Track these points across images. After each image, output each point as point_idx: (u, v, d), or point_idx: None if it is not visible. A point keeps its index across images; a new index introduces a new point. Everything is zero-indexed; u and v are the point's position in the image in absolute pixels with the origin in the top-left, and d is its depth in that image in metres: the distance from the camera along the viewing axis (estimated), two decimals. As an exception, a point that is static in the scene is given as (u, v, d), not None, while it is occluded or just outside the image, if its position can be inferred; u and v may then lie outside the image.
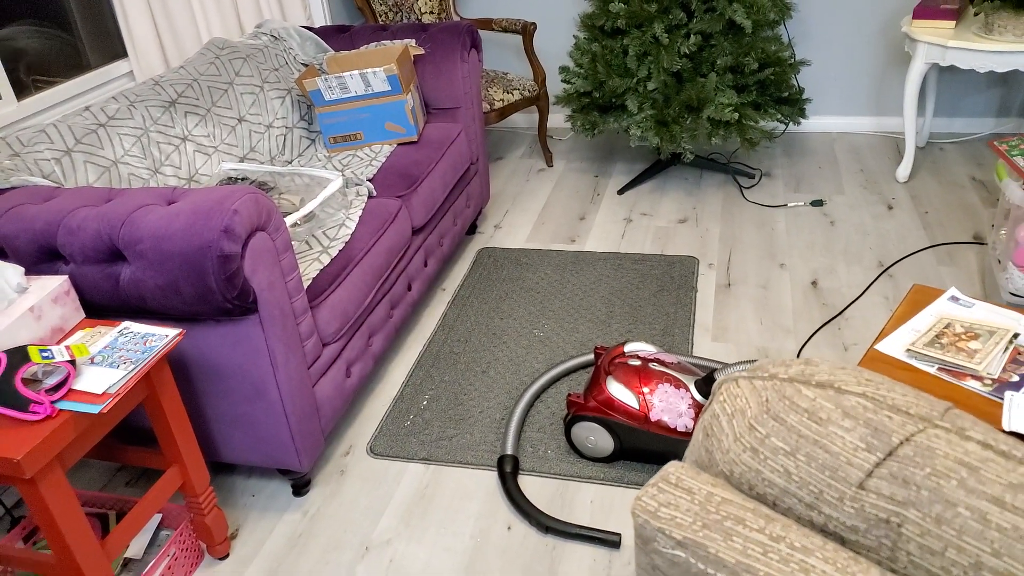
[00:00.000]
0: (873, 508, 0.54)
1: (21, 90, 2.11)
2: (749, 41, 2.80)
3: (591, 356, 2.12)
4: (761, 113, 2.87)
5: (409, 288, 2.23)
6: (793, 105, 2.96)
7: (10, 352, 1.26)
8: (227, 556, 1.64)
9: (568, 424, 1.81)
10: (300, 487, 1.78)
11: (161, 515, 1.66)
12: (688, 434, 1.73)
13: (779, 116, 2.92)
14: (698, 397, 1.76)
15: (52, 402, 1.23)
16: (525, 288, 2.50)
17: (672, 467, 0.64)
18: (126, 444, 1.64)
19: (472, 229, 2.91)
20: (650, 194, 3.07)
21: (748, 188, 3.06)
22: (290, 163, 2.44)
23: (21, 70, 2.13)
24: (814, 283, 2.42)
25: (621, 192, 3.10)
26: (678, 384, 1.76)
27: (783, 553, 0.53)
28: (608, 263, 2.60)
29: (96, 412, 1.23)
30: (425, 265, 2.34)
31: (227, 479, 1.86)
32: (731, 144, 3.46)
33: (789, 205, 2.90)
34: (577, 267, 2.59)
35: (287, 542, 1.66)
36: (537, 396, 2.01)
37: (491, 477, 1.79)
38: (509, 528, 1.66)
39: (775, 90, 2.91)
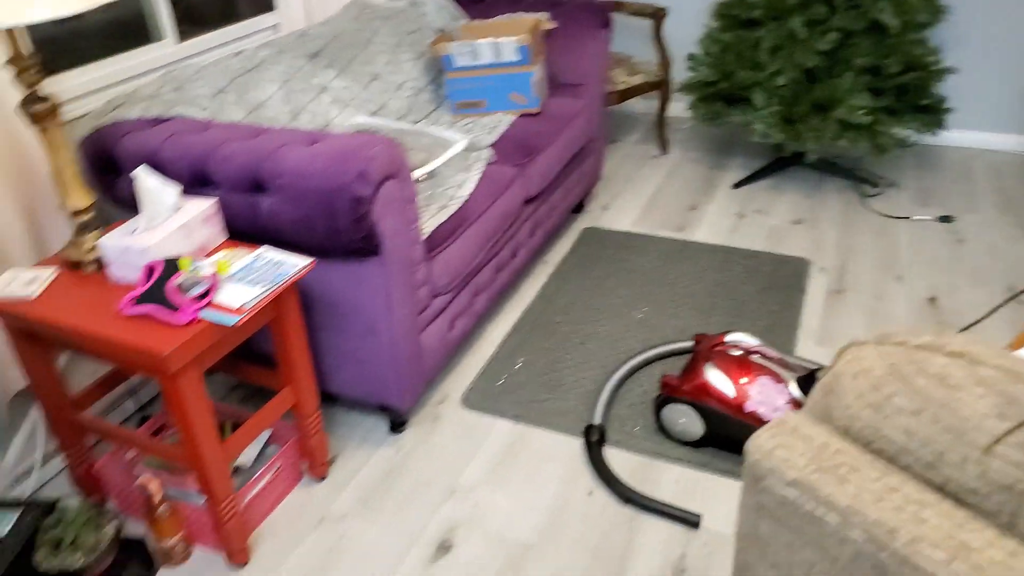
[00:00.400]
0: (998, 474, 0.54)
1: (180, 33, 2.29)
2: (892, 42, 2.69)
3: (690, 343, 2.12)
4: (896, 120, 2.76)
5: (515, 255, 2.29)
6: (933, 114, 2.83)
7: (167, 261, 1.40)
8: (324, 478, 1.76)
9: (659, 404, 1.83)
10: (397, 425, 1.88)
11: (271, 431, 1.79)
12: (783, 429, 1.71)
13: (915, 125, 2.79)
14: (798, 394, 1.73)
15: (196, 309, 1.36)
16: (628, 270, 2.52)
17: (790, 415, 0.66)
18: (247, 363, 1.78)
19: (580, 207, 2.94)
20: (766, 191, 3.02)
21: (871, 196, 2.95)
22: (417, 123, 2.54)
23: (181, 14, 2.31)
24: (932, 300, 2.32)
25: (736, 186, 3.06)
26: (778, 379, 1.75)
27: (897, 502, 0.55)
28: (716, 255, 2.58)
29: (232, 324, 1.34)
30: (531, 235, 2.40)
31: (330, 408, 1.98)
32: (859, 148, 3.34)
33: (914, 218, 2.78)
34: (683, 256, 2.59)
35: (380, 474, 1.77)
36: (631, 374, 2.03)
37: (577, 444, 1.83)
38: (590, 494, 1.70)
39: (914, 97, 2.79)
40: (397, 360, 1.72)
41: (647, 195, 3.03)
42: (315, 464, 1.74)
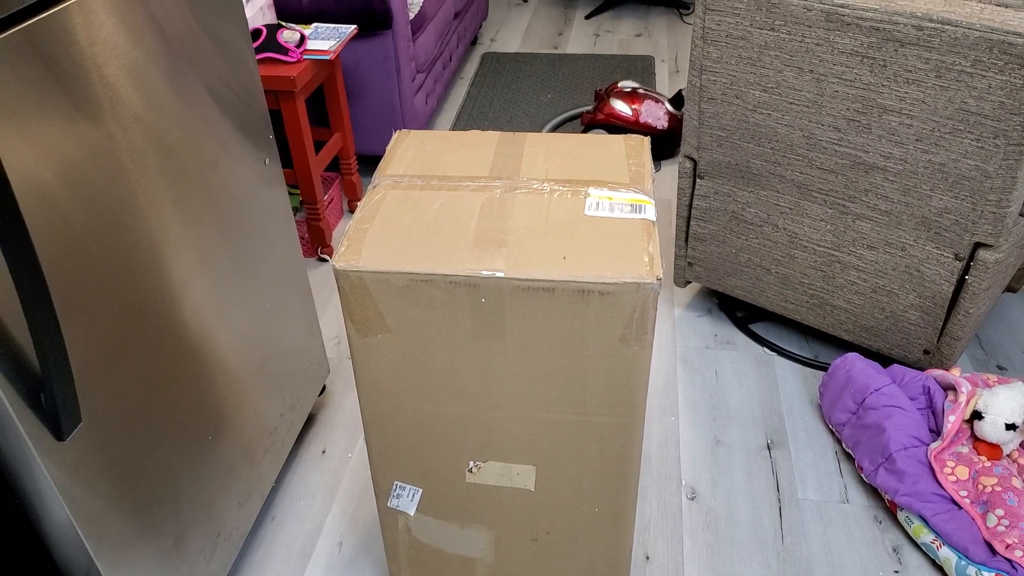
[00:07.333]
0: None
1: None
2: None
3: (592, 102, 3.07)
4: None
5: (450, 59, 3.10)
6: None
7: (268, 26, 2.07)
8: (367, 203, 2.53)
9: (585, 131, 2.76)
10: (408, 166, 2.67)
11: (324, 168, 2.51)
12: (665, 131, 2.73)
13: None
14: (672, 109, 2.75)
15: (300, 53, 2.06)
16: (525, 74, 3.41)
17: None
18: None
19: (474, 41, 3.76)
20: (611, 19, 4.02)
21: (686, 14, 4.04)
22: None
23: None
24: (739, 69, 3.44)
25: (588, 17, 4.03)
26: (657, 100, 2.75)
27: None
28: (587, 60, 3.54)
29: (328, 58, 2.07)
30: (458, 46, 3.20)
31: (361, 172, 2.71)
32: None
33: (718, 26, 3.90)
34: (564, 63, 3.52)
35: (405, 197, 2.56)
36: (557, 128, 2.95)
37: (532, 167, 2.73)
38: (551, 189, 2.61)
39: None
40: (403, 115, 2.50)
41: (522, 29, 3.92)
42: (355, 198, 2.49)
